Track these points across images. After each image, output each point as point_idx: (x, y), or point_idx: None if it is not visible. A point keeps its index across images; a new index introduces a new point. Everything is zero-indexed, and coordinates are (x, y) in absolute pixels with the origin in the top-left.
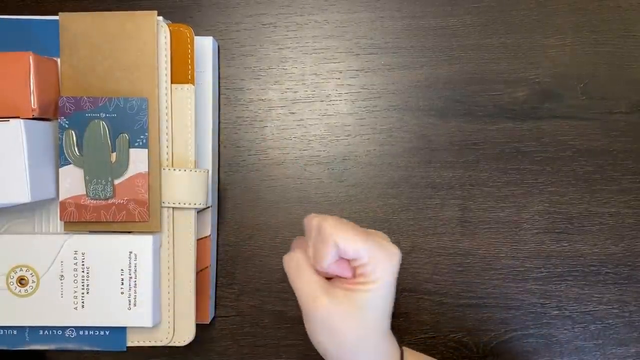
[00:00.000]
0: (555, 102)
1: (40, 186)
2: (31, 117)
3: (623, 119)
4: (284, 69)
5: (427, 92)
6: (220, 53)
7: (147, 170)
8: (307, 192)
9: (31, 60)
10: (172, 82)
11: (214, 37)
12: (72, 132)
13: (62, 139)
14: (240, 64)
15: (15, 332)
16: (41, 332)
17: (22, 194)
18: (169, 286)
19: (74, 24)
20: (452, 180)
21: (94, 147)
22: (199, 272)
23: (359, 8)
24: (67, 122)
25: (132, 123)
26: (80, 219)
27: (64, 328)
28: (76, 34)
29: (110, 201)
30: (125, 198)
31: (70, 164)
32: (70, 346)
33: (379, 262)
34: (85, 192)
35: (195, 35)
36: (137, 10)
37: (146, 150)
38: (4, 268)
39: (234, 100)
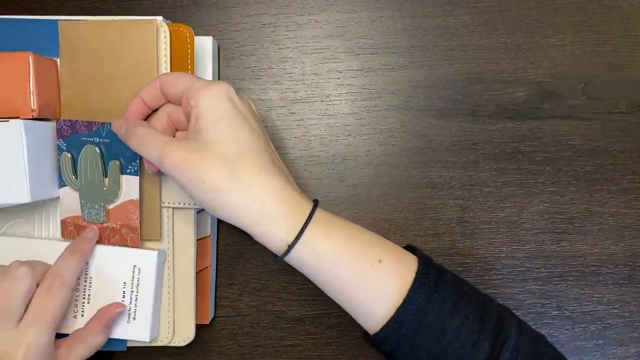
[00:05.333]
0: (555, 102)
1: (40, 186)
2: (31, 117)
3: (623, 118)
4: (284, 69)
5: (427, 92)
6: (220, 53)
7: (137, 197)
8: (307, 192)
9: (31, 61)
10: None
11: (213, 37)
12: (69, 155)
13: (61, 161)
14: (240, 64)
15: None
16: None
17: (22, 194)
18: (168, 286)
19: (73, 31)
20: (452, 180)
21: (88, 171)
22: (199, 272)
23: (359, 8)
24: (64, 144)
25: (124, 149)
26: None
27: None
28: (76, 41)
29: (104, 224)
30: (119, 223)
31: (66, 185)
32: None
33: (199, 93)
34: (81, 214)
35: (195, 35)
36: (136, 9)
37: (137, 177)
38: None
39: None
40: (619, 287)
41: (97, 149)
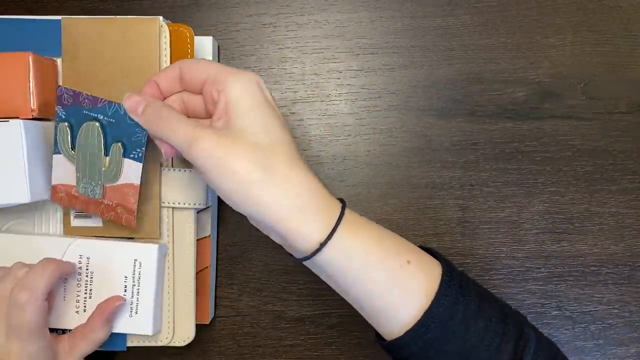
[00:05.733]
0: (555, 102)
1: (40, 186)
2: (31, 117)
3: (623, 118)
4: (283, 69)
5: (427, 92)
6: (220, 53)
7: (138, 183)
8: None
9: (31, 61)
10: None
11: (213, 37)
12: (67, 125)
13: (57, 129)
14: (240, 64)
15: None
16: None
17: (21, 195)
18: (169, 286)
19: (76, 29)
20: (452, 180)
21: (87, 148)
22: (199, 272)
23: (359, 8)
24: (64, 113)
25: (130, 133)
26: (70, 206)
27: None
28: (78, 39)
29: (99, 199)
30: (115, 201)
31: (61, 154)
32: None
33: (230, 80)
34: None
35: (195, 35)
36: (136, 9)
37: (141, 164)
38: None
39: None
40: (619, 287)
41: (99, 127)
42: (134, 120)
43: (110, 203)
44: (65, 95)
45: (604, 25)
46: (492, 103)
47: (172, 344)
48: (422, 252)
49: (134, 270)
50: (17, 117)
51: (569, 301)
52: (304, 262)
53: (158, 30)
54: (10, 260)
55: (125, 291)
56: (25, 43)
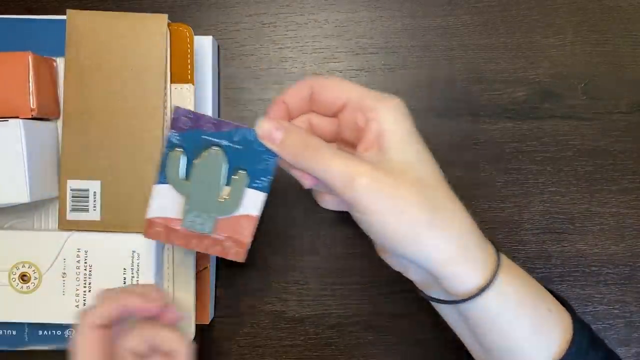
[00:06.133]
0: (556, 102)
1: (39, 186)
2: (30, 117)
3: (623, 118)
4: (283, 68)
5: (427, 92)
6: (220, 53)
7: (257, 214)
8: (307, 192)
9: (30, 60)
10: (171, 82)
11: (213, 36)
12: (182, 152)
13: (167, 156)
14: (240, 63)
15: (14, 332)
16: (40, 332)
17: (21, 194)
18: (168, 286)
19: (82, 22)
20: (452, 180)
21: (205, 177)
22: (199, 272)
23: (359, 8)
24: (178, 138)
25: (256, 161)
26: (167, 241)
27: (63, 328)
28: (84, 32)
29: (205, 234)
30: (224, 235)
31: (167, 184)
32: None
33: (382, 106)
34: (179, 217)
35: (195, 34)
36: (136, 9)
37: (263, 194)
38: (7, 264)
39: (234, 100)
40: (620, 287)
41: (224, 154)
42: (264, 147)
43: (218, 237)
44: (184, 118)
45: (604, 25)
46: (492, 103)
47: None
48: (554, 297)
49: (132, 262)
50: (17, 117)
51: (569, 301)
52: (444, 304)
53: (165, 26)
54: (10, 255)
55: (124, 283)
56: (25, 43)
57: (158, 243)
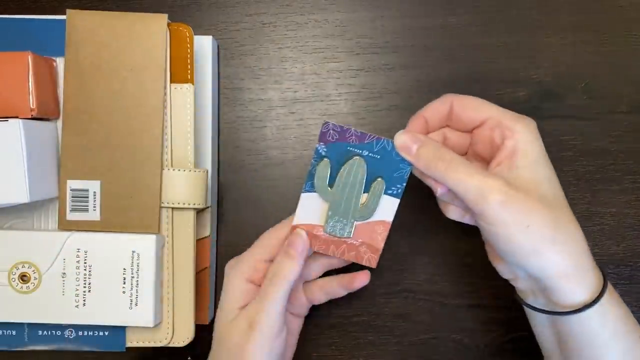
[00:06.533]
0: (556, 102)
1: (39, 186)
2: (30, 117)
3: (624, 118)
4: (283, 68)
5: (427, 92)
6: (219, 52)
7: (391, 220)
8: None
9: (30, 60)
10: (171, 82)
11: (213, 36)
12: (328, 162)
13: (316, 166)
14: (240, 63)
15: (14, 332)
16: (40, 333)
17: (20, 194)
18: (168, 287)
19: (82, 22)
20: None
21: (347, 185)
22: (199, 273)
23: (359, 7)
24: (325, 149)
25: (392, 169)
26: (310, 247)
27: (63, 328)
28: (84, 32)
29: (342, 239)
30: (360, 240)
31: (315, 192)
32: (70, 347)
33: (519, 127)
34: (321, 223)
35: (195, 34)
36: (136, 9)
37: (398, 200)
38: (6, 264)
39: (233, 100)
40: (620, 288)
41: (365, 163)
42: (400, 156)
43: (355, 242)
44: (332, 131)
45: (605, 25)
46: (493, 103)
47: (171, 345)
48: None
49: (132, 262)
50: (17, 117)
51: None
52: (540, 313)
53: (165, 26)
54: (10, 255)
55: (124, 283)
56: (25, 43)
57: (158, 243)
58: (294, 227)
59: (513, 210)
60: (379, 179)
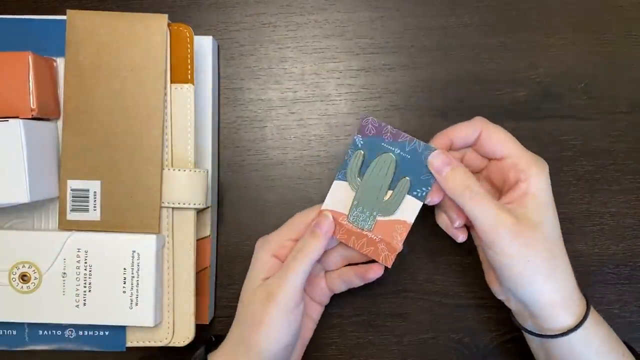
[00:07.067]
0: (556, 102)
1: (39, 186)
2: (30, 117)
3: (624, 118)
4: (283, 68)
5: (427, 91)
6: (219, 53)
7: (412, 221)
8: (307, 192)
9: (30, 60)
10: (171, 82)
11: (213, 36)
12: (362, 153)
13: (351, 156)
14: (240, 63)
15: (14, 332)
16: (40, 332)
17: (20, 194)
18: (168, 286)
19: (82, 22)
20: None
21: (375, 178)
22: (199, 272)
23: (359, 7)
24: (362, 142)
25: (419, 172)
26: (334, 234)
27: (63, 328)
28: (84, 32)
29: (365, 232)
30: (380, 236)
31: (346, 181)
32: (70, 346)
33: (535, 171)
34: (346, 212)
35: (195, 34)
36: (136, 9)
37: (421, 203)
38: (7, 264)
39: (233, 100)
40: (619, 287)
41: (395, 159)
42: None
43: (374, 237)
44: (371, 126)
45: (604, 25)
46: (493, 103)
47: (171, 345)
48: (626, 346)
49: (133, 262)
50: (17, 117)
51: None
52: (536, 336)
53: (165, 26)
54: (10, 255)
55: (124, 283)
56: (25, 43)
57: (158, 243)
58: (322, 212)
59: (518, 244)
60: (406, 179)
